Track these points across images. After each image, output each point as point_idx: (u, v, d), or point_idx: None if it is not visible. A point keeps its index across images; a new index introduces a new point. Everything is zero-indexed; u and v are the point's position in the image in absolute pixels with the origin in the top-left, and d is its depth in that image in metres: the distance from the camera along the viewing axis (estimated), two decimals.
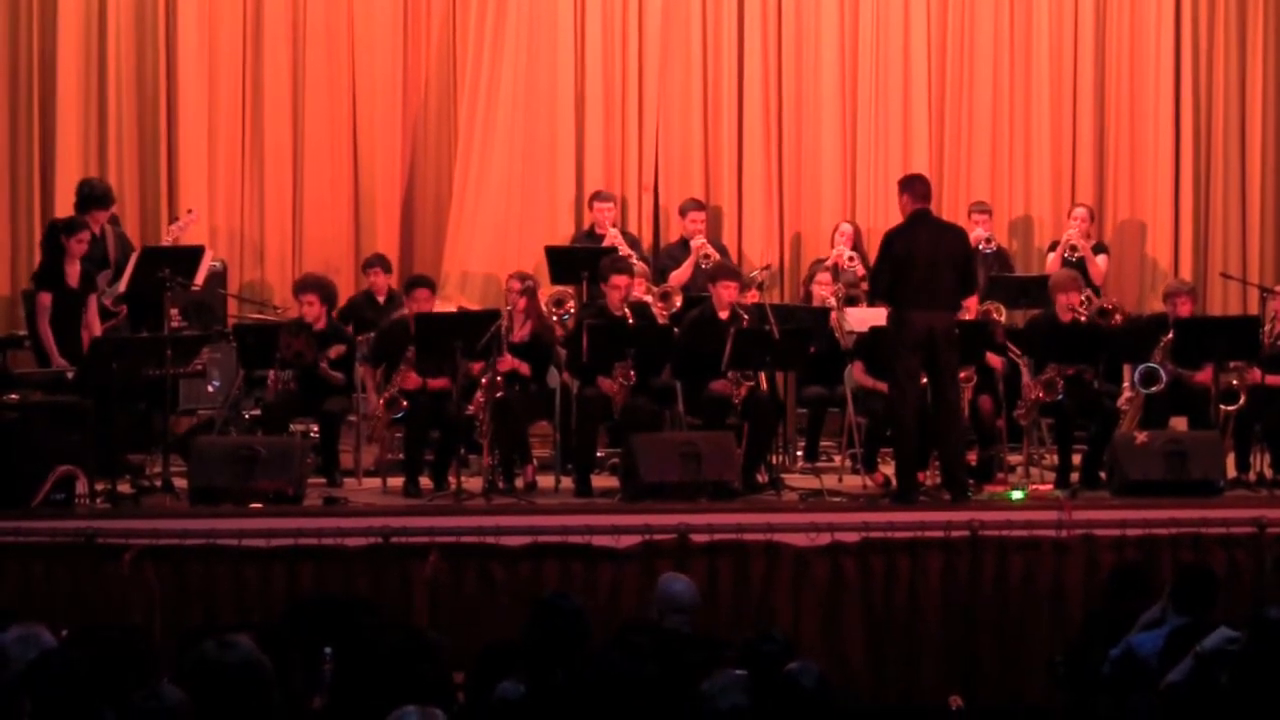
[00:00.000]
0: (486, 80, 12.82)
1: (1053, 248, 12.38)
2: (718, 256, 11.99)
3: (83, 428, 9.63)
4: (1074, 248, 12.08)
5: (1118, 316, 11.00)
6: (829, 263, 12.11)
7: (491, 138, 12.81)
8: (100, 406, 9.71)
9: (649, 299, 11.50)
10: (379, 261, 11.96)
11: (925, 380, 9.90)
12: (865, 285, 11.97)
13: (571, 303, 11.53)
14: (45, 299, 10.38)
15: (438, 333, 10.28)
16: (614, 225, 12.25)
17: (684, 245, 12.26)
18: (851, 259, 12.11)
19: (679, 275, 12.00)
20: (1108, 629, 7.00)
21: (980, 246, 11.90)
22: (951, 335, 9.88)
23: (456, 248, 12.77)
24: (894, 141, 13.08)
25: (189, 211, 11.79)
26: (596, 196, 12.40)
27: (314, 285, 10.92)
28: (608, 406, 10.38)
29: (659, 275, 12.11)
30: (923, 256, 9.82)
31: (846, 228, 12.37)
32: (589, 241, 12.22)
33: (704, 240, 12.09)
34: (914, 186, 10.15)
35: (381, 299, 11.76)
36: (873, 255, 12.16)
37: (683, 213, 12.36)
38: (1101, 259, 12.21)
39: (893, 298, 10.00)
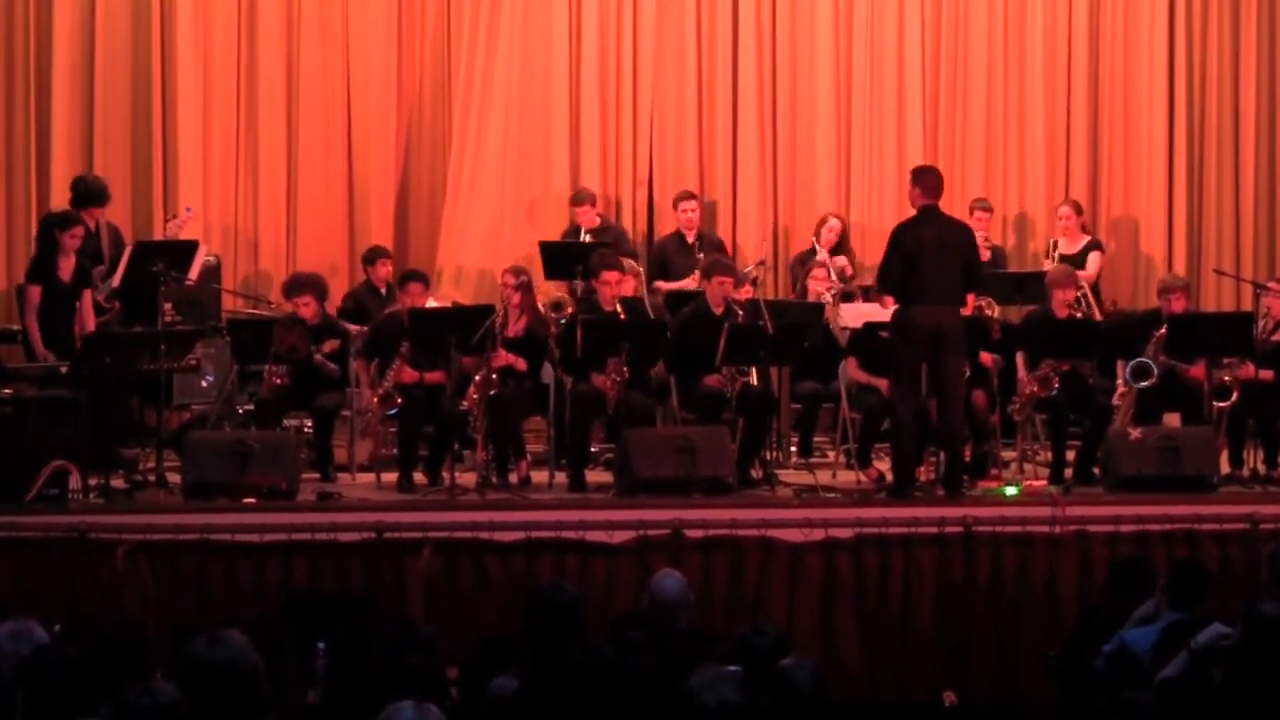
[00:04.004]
0: (481, 74, 12.81)
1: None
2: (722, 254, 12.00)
3: (76, 422, 9.62)
4: (1056, 244, 12.11)
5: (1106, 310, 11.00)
6: (819, 259, 12.05)
7: (486, 132, 12.80)
8: (94, 401, 9.70)
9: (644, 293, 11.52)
10: (384, 252, 11.97)
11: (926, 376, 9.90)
12: (857, 282, 11.97)
13: (570, 308, 11.45)
14: (34, 292, 10.37)
15: (432, 328, 10.28)
16: (599, 216, 12.25)
17: (679, 238, 12.25)
18: (845, 267, 12.04)
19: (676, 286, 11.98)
20: (1103, 624, 7.01)
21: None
22: (957, 332, 9.86)
23: (451, 242, 12.76)
24: (888, 136, 13.06)
25: (187, 209, 11.78)
26: (574, 200, 12.34)
27: (307, 285, 10.88)
28: (602, 402, 10.37)
29: (652, 267, 12.12)
30: (928, 252, 9.78)
31: (835, 223, 12.19)
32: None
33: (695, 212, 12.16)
34: (924, 180, 10.09)
35: (383, 290, 11.76)
36: (861, 250, 12.24)
37: (675, 204, 12.36)
38: (1094, 256, 12.17)
39: (899, 292, 9.99)
